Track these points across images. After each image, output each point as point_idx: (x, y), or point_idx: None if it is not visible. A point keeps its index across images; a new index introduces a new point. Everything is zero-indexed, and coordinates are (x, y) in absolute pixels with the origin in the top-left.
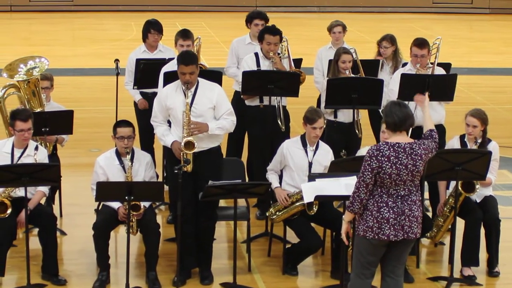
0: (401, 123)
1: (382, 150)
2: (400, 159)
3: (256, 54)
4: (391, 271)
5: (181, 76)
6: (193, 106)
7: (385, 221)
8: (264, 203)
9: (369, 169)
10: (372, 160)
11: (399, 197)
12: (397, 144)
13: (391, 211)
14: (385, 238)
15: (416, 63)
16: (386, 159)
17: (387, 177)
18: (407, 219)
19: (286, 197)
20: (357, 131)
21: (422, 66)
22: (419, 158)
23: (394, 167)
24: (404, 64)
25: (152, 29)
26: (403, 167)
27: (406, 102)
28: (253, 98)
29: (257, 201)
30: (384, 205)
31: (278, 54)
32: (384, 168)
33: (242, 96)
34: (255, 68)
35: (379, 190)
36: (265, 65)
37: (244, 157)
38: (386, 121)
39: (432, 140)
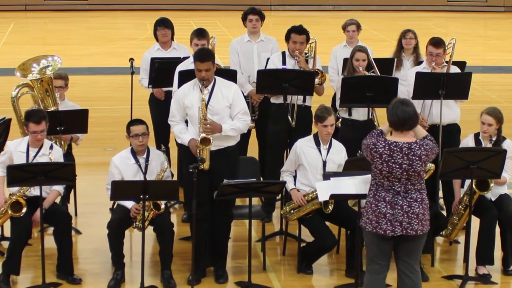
0: (404, 122)
1: (377, 146)
2: (394, 158)
3: (283, 53)
4: (405, 268)
5: (197, 73)
6: (210, 104)
7: (382, 216)
8: (270, 205)
9: (365, 149)
10: (366, 151)
11: (396, 193)
12: (394, 143)
13: (388, 206)
14: (382, 232)
15: (431, 62)
16: (378, 156)
17: (378, 172)
18: (405, 215)
19: (302, 198)
20: (376, 123)
21: (438, 64)
22: (417, 158)
23: (385, 164)
24: (419, 63)
25: (158, 26)
26: (397, 166)
27: (421, 101)
28: (276, 96)
29: (262, 203)
30: (382, 199)
31: (305, 54)
32: (375, 163)
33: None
34: (280, 66)
35: (375, 182)
36: (291, 64)
37: (254, 154)
38: (388, 119)
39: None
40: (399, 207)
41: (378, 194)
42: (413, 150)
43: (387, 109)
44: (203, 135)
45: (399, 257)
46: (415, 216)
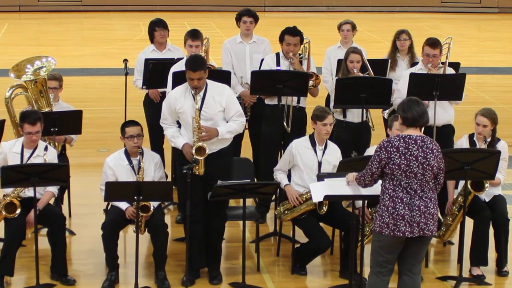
0: (419, 119)
1: (392, 141)
2: (410, 150)
3: (277, 54)
4: (409, 269)
5: (189, 81)
6: (203, 110)
7: (401, 218)
8: (264, 206)
9: (377, 159)
10: (381, 151)
11: (413, 192)
12: (408, 136)
13: (406, 208)
14: (401, 234)
15: (428, 63)
16: (395, 150)
17: (397, 167)
18: (422, 215)
19: (297, 196)
20: (370, 124)
21: (434, 65)
22: (430, 151)
23: (403, 157)
24: (414, 64)
25: (156, 27)
26: (413, 158)
27: None
28: (271, 97)
29: (256, 204)
30: (399, 201)
31: (299, 55)
32: (393, 159)
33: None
34: (275, 67)
35: (392, 183)
36: (285, 65)
37: (248, 155)
38: (404, 116)
39: None
40: (416, 208)
41: (395, 195)
42: (425, 143)
43: (401, 107)
44: (199, 144)
45: (405, 259)
46: (431, 217)
